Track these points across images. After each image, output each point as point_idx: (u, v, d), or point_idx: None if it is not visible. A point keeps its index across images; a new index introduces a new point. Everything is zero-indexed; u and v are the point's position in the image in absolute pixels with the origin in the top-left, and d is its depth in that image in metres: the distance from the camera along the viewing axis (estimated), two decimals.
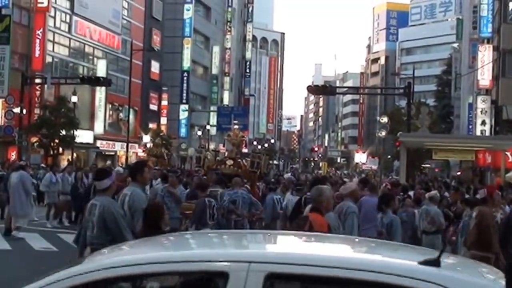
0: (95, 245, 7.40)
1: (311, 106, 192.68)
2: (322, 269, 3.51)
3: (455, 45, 73.55)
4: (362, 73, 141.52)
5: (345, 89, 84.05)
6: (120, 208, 7.97)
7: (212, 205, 11.84)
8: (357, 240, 4.92)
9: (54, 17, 48.57)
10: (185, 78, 69.26)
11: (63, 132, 39.93)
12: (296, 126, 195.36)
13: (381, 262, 3.77)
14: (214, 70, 79.83)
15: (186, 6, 69.81)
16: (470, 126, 51.24)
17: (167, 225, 7.63)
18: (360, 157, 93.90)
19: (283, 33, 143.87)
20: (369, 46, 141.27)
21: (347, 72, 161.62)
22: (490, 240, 10.14)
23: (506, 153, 26.72)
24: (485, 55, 46.81)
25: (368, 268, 3.52)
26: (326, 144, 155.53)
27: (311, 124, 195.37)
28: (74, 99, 41.32)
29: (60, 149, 41.24)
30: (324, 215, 7.53)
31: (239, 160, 20.00)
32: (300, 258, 3.70)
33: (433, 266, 3.51)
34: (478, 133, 45.35)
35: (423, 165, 48.49)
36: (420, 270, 3.50)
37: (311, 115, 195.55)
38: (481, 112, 45.85)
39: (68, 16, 50.51)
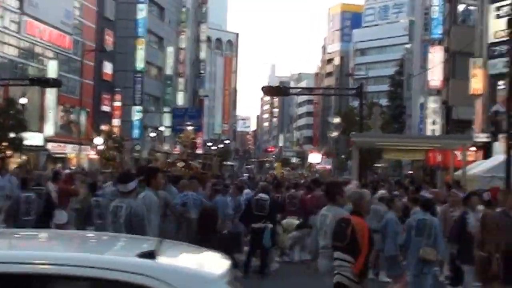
0: None
1: (266, 107, 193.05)
2: (27, 267, 3.49)
3: (408, 46, 74.48)
4: (317, 74, 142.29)
5: (299, 89, 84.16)
6: (145, 210, 8.26)
7: (99, 205, 12.17)
8: (78, 235, 4.86)
9: (3, 17, 47.65)
10: (138, 79, 68.67)
11: (12, 135, 39.10)
12: (249, 127, 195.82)
13: (92, 257, 3.72)
14: (168, 71, 79.36)
15: (139, 6, 69.23)
16: (421, 126, 51.90)
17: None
18: (314, 157, 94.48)
19: (237, 34, 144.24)
20: (324, 47, 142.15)
21: (301, 73, 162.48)
22: (486, 241, 10.67)
23: (456, 152, 27.03)
24: (436, 56, 47.49)
25: (77, 264, 3.50)
26: (281, 144, 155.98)
27: (266, 124, 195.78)
28: (23, 100, 40.58)
29: (9, 152, 40.39)
30: (364, 218, 7.86)
31: (190, 162, 19.89)
32: (4, 256, 3.65)
33: (149, 258, 3.52)
34: (429, 132, 45.98)
35: (376, 165, 48.94)
36: (133, 263, 3.51)
37: (266, 115, 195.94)
38: (432, 112, 46.49)
39: (17, 16, 49.60)
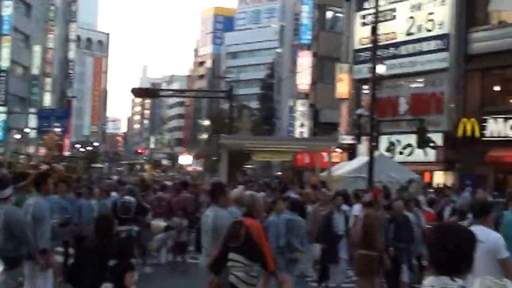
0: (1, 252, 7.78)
1: (138, 108, 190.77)
2: None
3: (279, 50, 75.71)
4: (189, 76, 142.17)
5: (171, 91, 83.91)
6: (24, 215, 8.18)
7: None
8: None
9: None
10: (2, 78, 66.02)
11: None
12: (120, 128, 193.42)
13: None
14: (35, 71, 76.70)
15: (4, 2, 66.54)
16: (291, 128, 52.88)
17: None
18: (185, 159, 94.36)
19: (108, 34, 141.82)
20: (196, 49, 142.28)
21: (173, 75, 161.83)
22: (374, 240, 11.19)
23: (322, 153, 27.73)
24: (305, 60, 48.51)
25: None
26: (152, 146, 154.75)
27: (137, 126, 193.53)
28: None
29: None
30: (257, 220, 8.03)
31: (54, 164, 19.24)
32: None
33: None
34: (297, 134, 46.97)
35: (246, 166, 49.39)
36: None
37: (137, 117, 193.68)
38: (300, 115, 47.50)
39: None
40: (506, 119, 29.26)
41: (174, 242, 16.11)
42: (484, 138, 29.89)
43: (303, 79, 48.28)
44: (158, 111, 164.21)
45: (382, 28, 31.93)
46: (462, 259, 3.40)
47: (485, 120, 30.08)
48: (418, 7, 34.28)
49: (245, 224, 7.69)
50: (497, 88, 31.63)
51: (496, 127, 29.63)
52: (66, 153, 68.78)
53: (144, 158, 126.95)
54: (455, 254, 3.34)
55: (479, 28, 31.47)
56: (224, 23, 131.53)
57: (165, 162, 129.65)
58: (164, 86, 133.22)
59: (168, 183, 24.42)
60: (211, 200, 9.14)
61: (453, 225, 3.70)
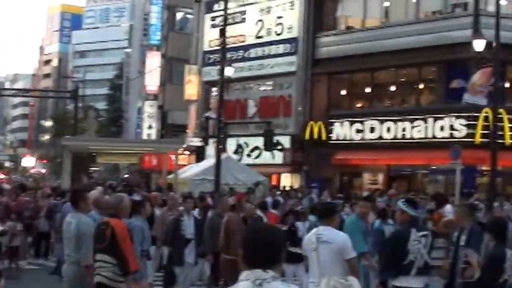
0: None
1: None
2: None
3: (127, 50, 74.70)
4: (34, 75, 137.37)
5: (13, 91, 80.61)
6: None
7: None
8: None
9: None
10: None
11: None
12: None
13: None
14: None
15: None
16: (138, 130, 52.17)
17: None
18: (28, 161, 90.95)
19: None
20: (42, 47, 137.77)
21: (17, 73, 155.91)
22: (236, 244, 11.06)
23: (170, 155, 27.36)
24: (153, 61, 48.06)
25: None
26: None
27: None
28: None
29: None
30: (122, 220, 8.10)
31: None
32: None
33: None
34: (145, 136, 46.46)
35: (92, 169, 48.25)
36: None
37: None
38: (148, 116, 46.96)
39: None
40: (351, 122, 30.01)
41: (6, 247, 15.23)
42: (330, 141, 30.52)
43: (152, 80, 47.76)
44: (0, 111, 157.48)
45: (232, 30, 31.96)
46: (272, 253, 3.68)
47: (331, 124, 30.72)
48: (267, 10, 34.58)
49: (111, 224, 7.74)
50: (343, 92, 32.47)
51: (342, 131, 30.32)
52: None
53: None
54: (265, 250, 3.65)
55: (327, 33, 32.18)
56: (72, 20, 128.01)
57: (7, 164, 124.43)
58: (7, 85, 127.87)
59: (7, 186, 23.34)
60: (72, 206, 8.92)
61: (262, 224, 4.07)
